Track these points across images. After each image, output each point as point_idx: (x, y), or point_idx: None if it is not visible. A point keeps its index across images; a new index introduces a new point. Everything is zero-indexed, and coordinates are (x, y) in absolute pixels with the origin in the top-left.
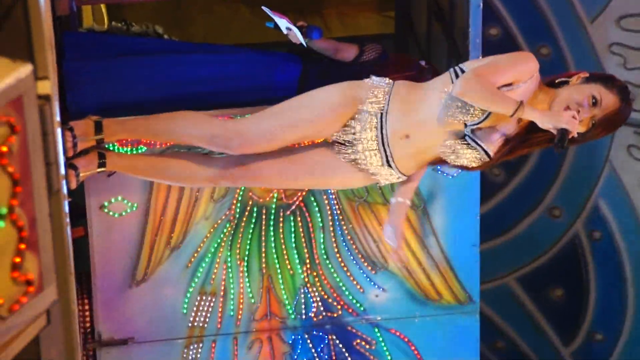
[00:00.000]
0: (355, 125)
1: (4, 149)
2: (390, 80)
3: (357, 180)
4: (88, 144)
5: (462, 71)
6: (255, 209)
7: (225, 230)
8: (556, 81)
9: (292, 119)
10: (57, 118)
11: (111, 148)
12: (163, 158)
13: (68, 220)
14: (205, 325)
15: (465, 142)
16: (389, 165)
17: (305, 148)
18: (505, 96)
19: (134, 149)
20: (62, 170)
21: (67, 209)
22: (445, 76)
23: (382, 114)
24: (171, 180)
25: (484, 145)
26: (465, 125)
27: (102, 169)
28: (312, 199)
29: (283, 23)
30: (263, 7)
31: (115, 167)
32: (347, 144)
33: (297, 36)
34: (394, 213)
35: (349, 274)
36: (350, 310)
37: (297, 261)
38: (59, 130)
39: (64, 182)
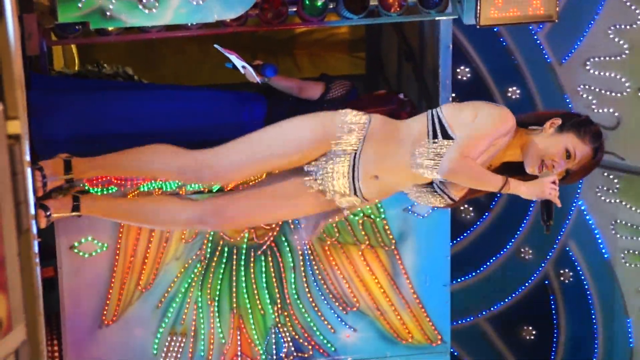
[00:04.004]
0: (327, 161)
1: None
2: (367, 117)
3: (322, 207)
4: (57, 183)
5: (439, 118)
6: (226, 249)
7: (195, 270)
8: (529, 127)
9: (261, 153)
10: (27, 158)
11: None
12: (138, 202)
13: (37, 260)
14: None
15: (432, 189)
16: (356, 195)
17: (273, 179)
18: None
19: (105, 189)
20: (32, 210)
21: (36, 248)
22: (422, 122)
23: (355, 154)
24: (147, 224)
25: (450, 194)
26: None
27: (76, 213)
28: (283, 238)
29: (237, 61)
30: (215, 45)
31: (89, 212)
32: (318, 176)
33: (252, 74)
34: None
35: (320, 314)
36: (322, 351)
37: (268, 301)
38: (28, 170)
39: (33, 221)
